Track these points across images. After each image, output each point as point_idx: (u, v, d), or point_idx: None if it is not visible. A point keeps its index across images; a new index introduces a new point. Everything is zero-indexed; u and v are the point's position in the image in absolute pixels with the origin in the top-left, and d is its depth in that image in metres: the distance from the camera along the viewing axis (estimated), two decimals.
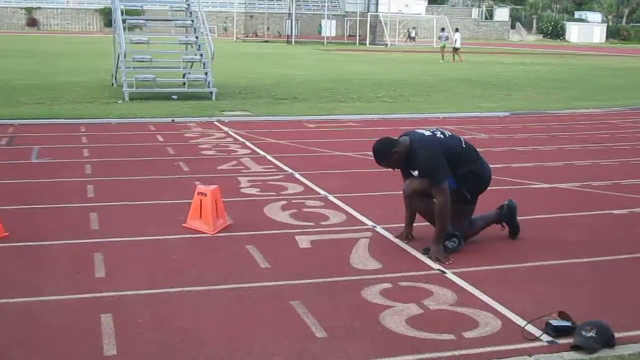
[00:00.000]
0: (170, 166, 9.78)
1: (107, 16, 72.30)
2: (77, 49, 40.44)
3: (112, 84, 19.60)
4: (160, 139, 12.08)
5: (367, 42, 62.35)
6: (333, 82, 23.66)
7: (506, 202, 6.78)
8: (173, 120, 14.15)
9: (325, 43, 60.94)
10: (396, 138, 6.34)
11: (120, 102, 16.60)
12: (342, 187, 8.58)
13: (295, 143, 11.66)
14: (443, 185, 6.09)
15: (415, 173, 6.24)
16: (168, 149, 11.11)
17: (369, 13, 66.22)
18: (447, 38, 42.65)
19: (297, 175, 9.21)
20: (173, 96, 17.56)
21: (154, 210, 7.62)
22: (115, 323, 4.72)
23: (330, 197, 8.10)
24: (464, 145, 6.42)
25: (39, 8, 76.85)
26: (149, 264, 5.90)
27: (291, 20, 64.64)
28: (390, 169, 6.55)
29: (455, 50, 40.48)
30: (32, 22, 76.31)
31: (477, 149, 6.60)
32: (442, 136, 6.32)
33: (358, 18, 65.24)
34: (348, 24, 71.19)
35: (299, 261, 6.02)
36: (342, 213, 7.47)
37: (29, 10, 76.64)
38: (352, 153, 10.86)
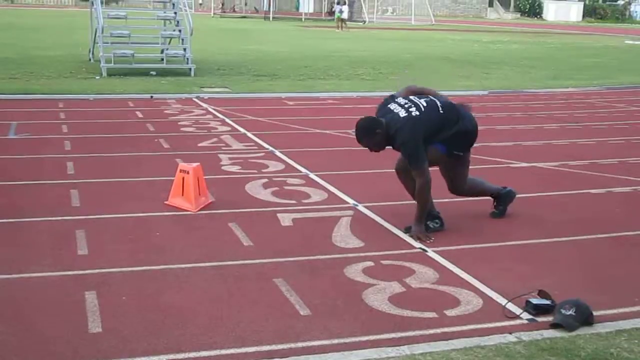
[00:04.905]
0: (151, 143, 9.75)
1: None
2: (53, 23, 39.92)
3: (90, 59, 19.40)
4: (140, 115, 12.02)
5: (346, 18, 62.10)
6: (312, 59, 23.58)
7: (510, 188, 6.91)
8: (152, 97, 14.07)
9: (303, 19, 60.63)
10: (379, 119, 6.19)
11: (97, 77, 16.47)
12: (322, 165, 8.60)
13: (275, 120, 11.65)
14: (422, 168, 6.08)
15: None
16: (148, 125, 11.06)
17: None
18: (341, 11, 46.72)
19: (277, 153, 9.22)
20: (151, 72, 17.44)
21: (135, 187, 7.61)
22: (100, 300, 4.73)
23: (311, 175, 8.13)
24: (442, 111, 6.20)
25: None
26: (132, 242, 5.91)
27: None
28: (368, 149, 6.36)
29: (342, 20, 45.64)
30: None
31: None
32: (417, 113, 6.10)
33: None
34: (326, 0, 70.81)
35: (281, 239, 6.05)
36: (324, 191, 7.50)
37: None
38: (331, 131, 10.88)
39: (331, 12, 50.44)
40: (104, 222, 6.40)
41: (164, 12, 19.99)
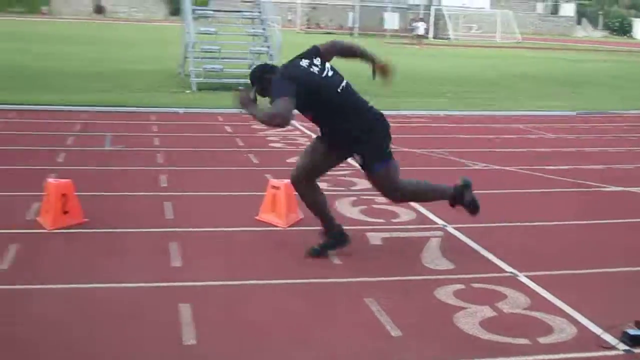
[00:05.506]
0: (240, 158, 9.90)
1: (172, 4, 73.16)
2: (143, 37, 40.97)
3: (179, 73, 19.85)
4: (229, 129, 12.23)
5: (430, 35, 61.90)
6: (397, 75, 23.54)
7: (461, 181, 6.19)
8: (241, 112, 14.22)
9: (387, 36, 60.70)
10: (273, 65, 5.94)
11: (188, 91, 16.83)
12: None
13: None
14: (277, 105, 5.50)
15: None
16: (237, 140, 11.25)
17: (433, 6, 65.79)
18: (417, 27, 49.09)
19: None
20: (240, 87, 17.70)
21: (225, 201, 7.75)
22: (194, 313, 4.82)
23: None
24: (339, 91, 5.76)
25: None
26: (223, 256, 6.02)
27: (354, 12, 64.72)
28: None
29: (419, 37, 47.67)
30: (99, 9, 77.60)
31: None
32: (315, 71, 5.72)
33: (421, 11, 64.85)
34: (411, 17, 70.81)
35: (371, 258, 6.07)
36: (412, 211, 7.47)
37: None
38: (419, 150, 10.84)
39: (411, 29, 51.30)
40: (196, 235, 6.54)
41: (253, 29, 20.32)
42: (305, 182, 6.09)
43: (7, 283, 5.24)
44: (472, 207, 6.15)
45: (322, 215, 6.12)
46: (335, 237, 6.07)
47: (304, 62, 5.80)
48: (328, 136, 5.98)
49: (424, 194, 6.32)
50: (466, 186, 6.13)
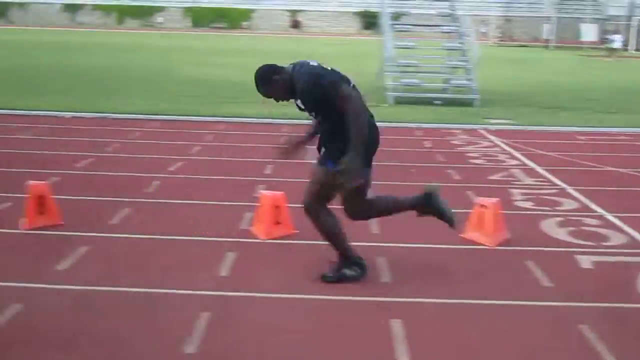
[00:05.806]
0: (441, 173, 9.91)
1: (365, 19, 74.36)
2: (338, 51, 41.83)
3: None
4: (428, 144, 12.28)
5: (631, 47, 59.13)
6: (598, 90, 22.73)
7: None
8: (439, 127, 14.27)
9: (585, 48, 58.56)
10: (280, 66, 5.62)
11: (385, 105, 17.04)
12: (620, 206, 8.23)
13: (565, 155, 11.35)
14: (341, 89, 5.35)
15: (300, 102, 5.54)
16: (437, 155, 11.28)
17: (635, 17, 62.80)
18: (613, 40, 48.17)
19: (570, 191, 8.98)
20: (436, 101, 17.74)
21: (429, 217, 7.76)
22: (405, 329, 4.90)
23: (609, 217, 7.83)
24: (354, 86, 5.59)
25: (303, 10, 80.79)
26: (431, 272, 6.08)
27: (550, 24, 63.01)
28: (272, 99, 5.72)
29: (613, 50, 46.59)
30: (295, 24, 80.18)
31: None
32: (330, 69, 5.54)
33: (621, 22, 62.16)
34: (611, 29, 67.93)
35: (581, 282, 5.91)
36: (623, 234, 7.19)
37: (293, 12, 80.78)
38: (628, 170, 10.38)
39: (605, 41, 49.56)
40: (402, 251, 6.63)
41: (449, 42, 20.29)
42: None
43: (228, 289, 5.56)
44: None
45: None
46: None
47: (314, 62, 5.65)
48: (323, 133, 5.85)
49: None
50: (362, 272, 5.87)
